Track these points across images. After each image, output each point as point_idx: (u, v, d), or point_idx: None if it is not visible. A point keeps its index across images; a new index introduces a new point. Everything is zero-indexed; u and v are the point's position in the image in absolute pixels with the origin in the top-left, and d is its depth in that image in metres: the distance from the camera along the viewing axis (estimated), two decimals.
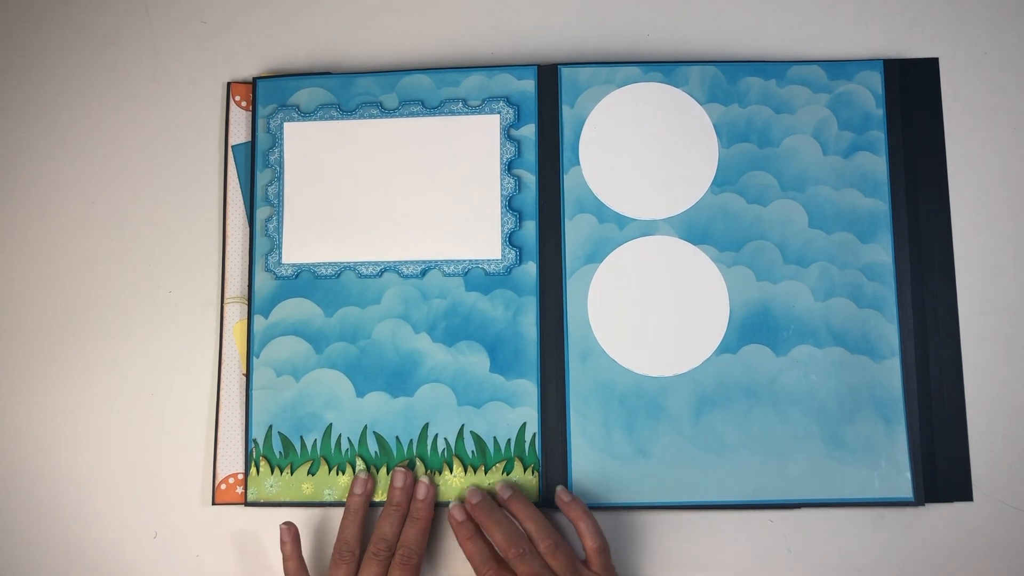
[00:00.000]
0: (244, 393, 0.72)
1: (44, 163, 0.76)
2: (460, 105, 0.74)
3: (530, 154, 0.74)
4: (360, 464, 0.70)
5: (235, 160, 0.75)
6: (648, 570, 0.70)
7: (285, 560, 0.67)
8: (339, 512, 0.71)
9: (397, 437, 0.71)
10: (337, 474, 0.70)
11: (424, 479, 0.69)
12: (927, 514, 0.70)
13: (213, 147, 0.76)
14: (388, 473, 0.70)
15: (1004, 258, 0.73)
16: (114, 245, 0.75)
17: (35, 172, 0.76)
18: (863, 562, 0.70)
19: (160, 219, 0.75)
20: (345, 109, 0.74)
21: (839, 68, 0.73)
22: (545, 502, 0.69)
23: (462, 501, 0.69)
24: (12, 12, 0.78)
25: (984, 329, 0.72)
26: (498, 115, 0.74)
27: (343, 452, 0.71)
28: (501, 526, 0.66)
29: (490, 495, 0.69)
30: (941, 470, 0.70)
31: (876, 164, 0.72)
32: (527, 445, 0.70)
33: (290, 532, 0.68)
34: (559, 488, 0.68)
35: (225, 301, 0.73)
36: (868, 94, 0.73)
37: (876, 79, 0.73)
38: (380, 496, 0.70)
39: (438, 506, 0.70)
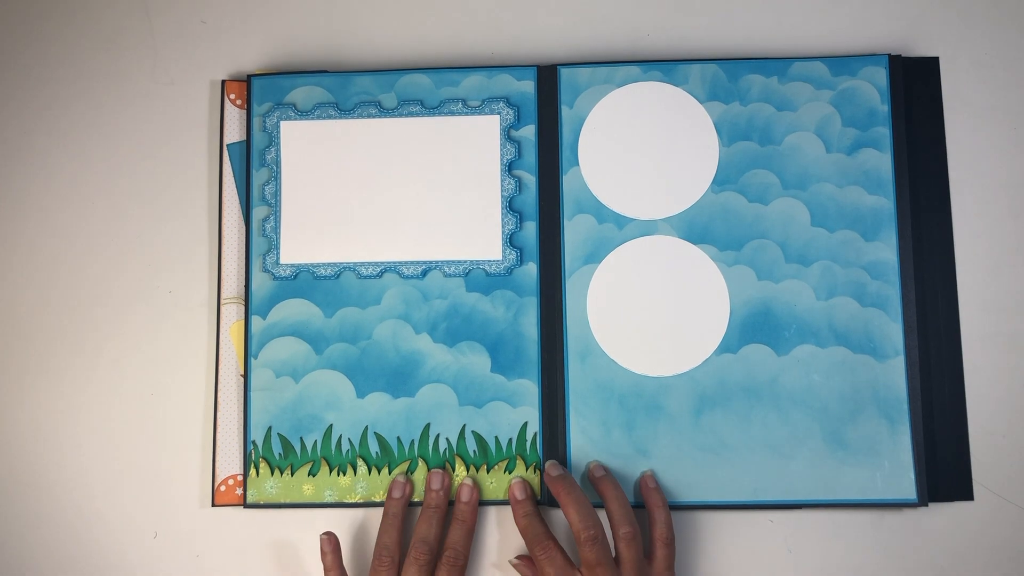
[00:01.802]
0: (242, 394, 0.72)
1: (42, 162, 0.76)
2: (460, 105, 0.73)
3: (530, 155, 0.73)
4: (361, 464, 0.70)
5: (231, 159, 0.75)
6: None
7: (326, 571, 0.67)
8: (340, 513, 0.71)
9: (398, 437, 0.71)
10: (338, 475, 0.70)
11: (468, 481, 0.69)
12: (928, 514, 0.70)
13: (213, 146, 0.76)
14: (390, 473, 0.70)
15: (1004, 258, 0.73)
16: (113, 244, 0.75)
17: (33, 172, 0.76)
18: (864, 562, 0.70)
19: (159, 218, 0.75)
20: (343, 108, 0.74)
21: (842, 64, 0.73)
22: (547, 501, 0.69)
23: (522, 479, 0.69)
24: (11, 11, 0.78)
25: (984, 328, 0.72)
26: (498, 116, 0.73)
27: (344, 453, 0.71)
28: (580, 505, 0.65)
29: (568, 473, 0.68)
30: (942, 470, 0.69)
31: (880, 161, 0.72)
32: (528, 444, 0.70)
33: (331, 543, 0.67)
34: (593, 463, 0.68)
35: (221, 302, 0.73)
36: (872, 90, 0.72)
37: (881, 74, 0.72)
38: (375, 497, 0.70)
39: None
